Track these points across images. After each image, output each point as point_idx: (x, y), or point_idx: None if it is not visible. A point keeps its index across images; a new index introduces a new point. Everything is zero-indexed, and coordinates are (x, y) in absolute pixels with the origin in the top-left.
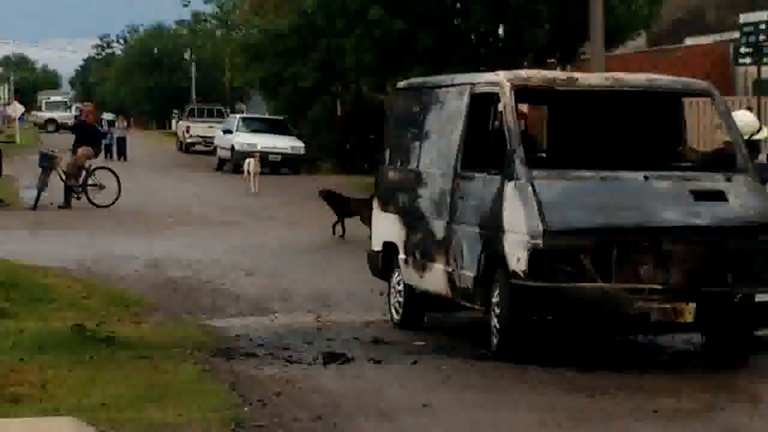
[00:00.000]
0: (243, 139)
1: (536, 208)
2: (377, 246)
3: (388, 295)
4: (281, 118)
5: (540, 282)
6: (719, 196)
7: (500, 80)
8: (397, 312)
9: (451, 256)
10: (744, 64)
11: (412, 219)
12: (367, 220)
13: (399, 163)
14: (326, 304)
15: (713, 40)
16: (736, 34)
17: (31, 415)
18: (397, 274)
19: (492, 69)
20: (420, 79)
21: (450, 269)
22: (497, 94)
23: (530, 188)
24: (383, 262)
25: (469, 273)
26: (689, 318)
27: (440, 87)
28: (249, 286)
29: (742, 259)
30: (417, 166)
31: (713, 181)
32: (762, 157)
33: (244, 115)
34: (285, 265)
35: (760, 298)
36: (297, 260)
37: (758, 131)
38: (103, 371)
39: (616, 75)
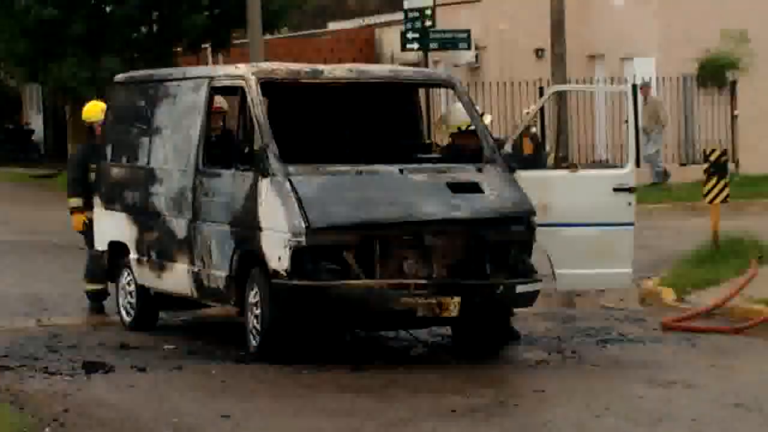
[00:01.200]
0: None
1: (296, 205)
2: (101, 246)
3: (117, 296)
4: None
5: (303, 281)
6: (475, 188)
7: (244, 74)
8: (128, 314)
9: (196, 256)
10: (411, 49)
11: (145, 217)
12: None
13: (125, 160)
14: (43, 307)
15: (358, 25)
16: (379, 18)
17: None
18: (126, 274)
19: (146, 56)
20: (143, 72)
21: (196, 269)
22: (242, 88)
23: (288, 184)
24: (110, 263)
25: (220, 273)
26: (454, 312)
27: (170, 80)
28: None
29: (499, 251)
30: (148, 163)
31: (466, 173)
32: (507, 147)
33: None
34: None
35: (520, 289)
36: None
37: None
38: None
39: (360, 67)
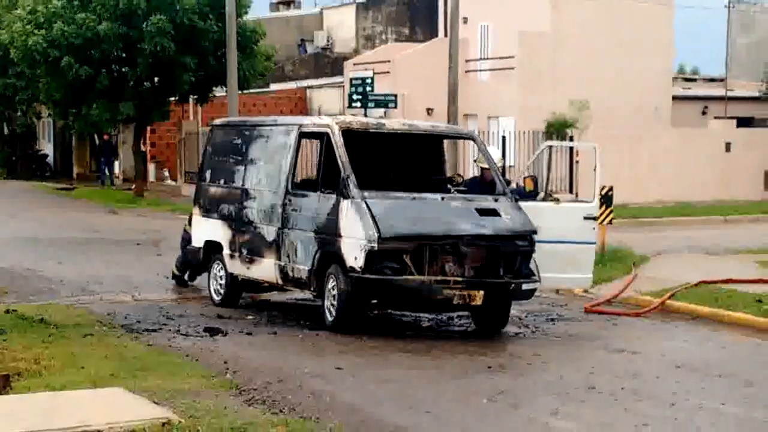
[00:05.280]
0: None
1: (371, 220)
2: (198, 243)
3: (208, 280)
4: None
5: (375, 275)
6: (495, 212)
7: (330, 123)
8: (217, 294)
9: (283, 253)
10: (355, 107)
11: (239, 224)
12: None
13: (222, 182)
14: (133, 286)
15: (294, 86)
16: (309, 82)
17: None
18: (218, 265)
19: (151, 105)
20: (238, 119)
21: (282, 263)
22: (327, 134)
23: (365, 205)
24: (204, 256)
25: (303, 266)
26: (479, 302)
27: (263, 125)
28: (66, 273)
29: (509, 258)
30: (243, 185)
31: (487, 202)
32: (513, 185)
33: None
34: (77, 256)
35: (525, 287)
36: (81, 251)
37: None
38: (71, 347)
39: (410, 122)
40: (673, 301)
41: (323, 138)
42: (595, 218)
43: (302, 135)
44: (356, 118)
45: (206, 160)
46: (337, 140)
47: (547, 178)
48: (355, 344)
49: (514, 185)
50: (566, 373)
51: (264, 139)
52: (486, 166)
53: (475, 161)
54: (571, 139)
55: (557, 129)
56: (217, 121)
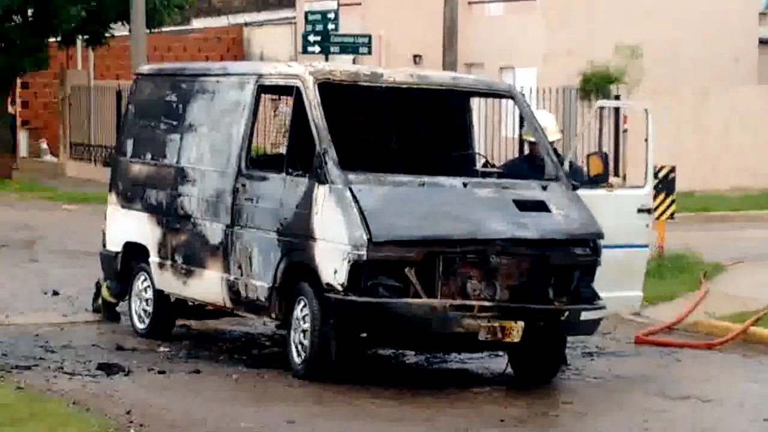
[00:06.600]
0: None
1: (358, 216)
2: (115, 246)
3: (129, 299)
4: None
5: (362, 297)
6: (542, 206)
7: (301, 73)
8: (141, 319)
9: (233, 263)
10: (313, 53)
11: (172, 219)
12: None
13: (149, 157)
14: None
15: (225, 23)
16: (244, 17)
17: None
18: (143, 278)
19: (22, 48)
20: (173, 65)
21: (231, 277)
22: (297, 88)
23: (348, 193)
24: (123, 265)
25: (261, 283)
26: (516, 338)
27: (208, 75)
28: None
29: (563, 274)
30: (177, 162)
31: (531, 190)
32: (566, 163)
33: None
34: None
35: (585, 316)
36: None
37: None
38: None
39: (420, 72)
40: (760, 327)
41: (292, 94)
42: (649, 211)
43: (262, 89)
44: (340, 66)
45: (127, 124)
46: (312, 97)
47: (616, 154)
48: (314, 388)
49: (566, 165)
50: (609, 428)
51: (208, 95)
52: (534, 139)
53: (522, 135)
54: (617, 98)
55: (597, 84)
56: (144, 69)
